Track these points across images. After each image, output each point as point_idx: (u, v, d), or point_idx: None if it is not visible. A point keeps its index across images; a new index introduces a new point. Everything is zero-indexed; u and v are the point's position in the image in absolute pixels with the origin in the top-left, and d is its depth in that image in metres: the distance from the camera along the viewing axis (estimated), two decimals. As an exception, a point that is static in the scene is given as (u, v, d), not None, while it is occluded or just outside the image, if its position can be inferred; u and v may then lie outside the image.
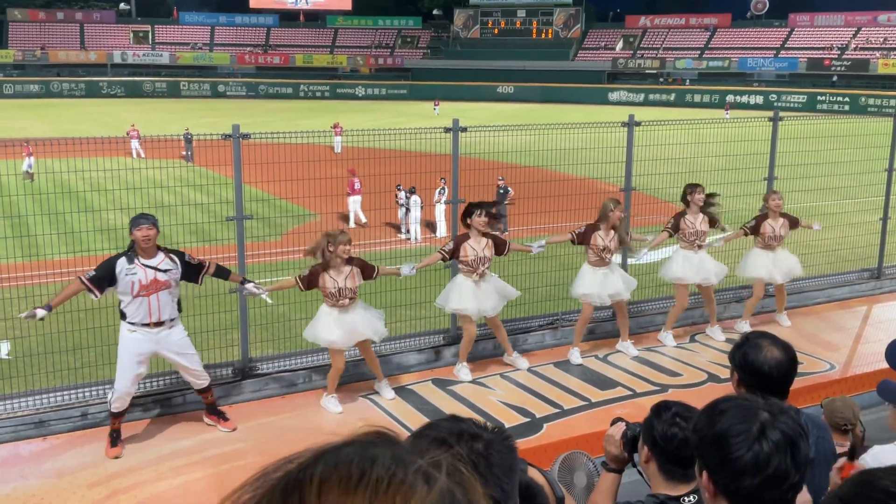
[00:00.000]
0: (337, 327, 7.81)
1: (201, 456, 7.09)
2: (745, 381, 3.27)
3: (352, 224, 19.44)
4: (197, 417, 7.73)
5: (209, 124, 38.98)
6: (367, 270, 8.01)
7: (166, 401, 7.91)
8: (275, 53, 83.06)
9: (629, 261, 10.28)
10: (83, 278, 6.95)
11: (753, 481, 2.01)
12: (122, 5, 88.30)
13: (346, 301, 7.84)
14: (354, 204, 19.90)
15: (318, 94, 75.67)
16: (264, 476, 0.77)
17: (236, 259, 8.40)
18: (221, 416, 7.61)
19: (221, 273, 7.59)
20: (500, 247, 8.82)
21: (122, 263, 6.95)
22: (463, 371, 8.89)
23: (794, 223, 10.33)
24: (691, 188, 9.77)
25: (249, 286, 7.72)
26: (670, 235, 9.94)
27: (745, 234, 10.32)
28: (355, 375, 8.60)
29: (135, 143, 28.07)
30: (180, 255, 7.24)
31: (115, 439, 7.12)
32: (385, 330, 8.23)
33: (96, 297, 7.03)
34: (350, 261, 7.87)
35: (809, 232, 10.88)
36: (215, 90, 75.19)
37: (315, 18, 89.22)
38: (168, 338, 7.12)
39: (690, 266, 9.79)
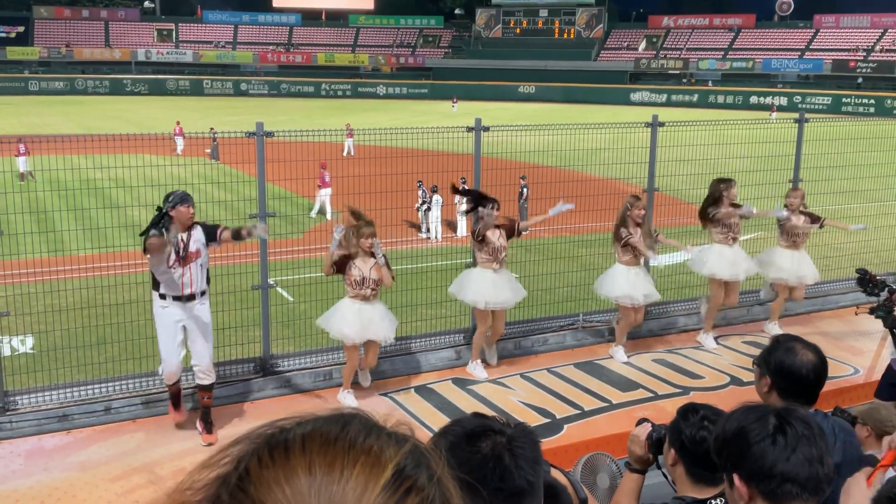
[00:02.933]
0: (355, 320, 7.82)
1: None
2: (779, 386, 3.21)
3: (328, 217, 19.67)
4: (219, 413, 7.76)
5: (232, 122, 39.20)
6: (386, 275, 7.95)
7: (189, 396, 7.95)
8: (297, 52, 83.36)
9: (651, 262, 10.18)
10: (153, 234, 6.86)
11: (783, 456, 2.02)
12: (146, 3, 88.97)
13: (369, 292, 7.86)
14: (324, 196, 20.19)
15: (340, 92, 75.87)
16: (247, 437, 0.85)
17: (258, 256, 8.44)
18: (207, 428, 7.44)
19: (236, 235, 7.34)
20: (510, 231, 8.84)
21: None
22: (477, 369, 8.88)
23: (814, 219, 10.21)
24: (726, 184, 9.56)
25: (258, 230, 7.37)
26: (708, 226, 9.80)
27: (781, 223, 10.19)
28: (376, 374, 8.61)
29: (179, 141, 29.17)
30: (202, 224, 7.33)
31: (176, 403, 7.35)
32: (393, 337, 8.17)
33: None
34: (375, 256, 7.88)
35: (835, 234, 10.76)
36: (238, 88, 75.59)
37: (337, 18, 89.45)
38: (198, 312, 7.23)
39: (725, 261, 9.68)
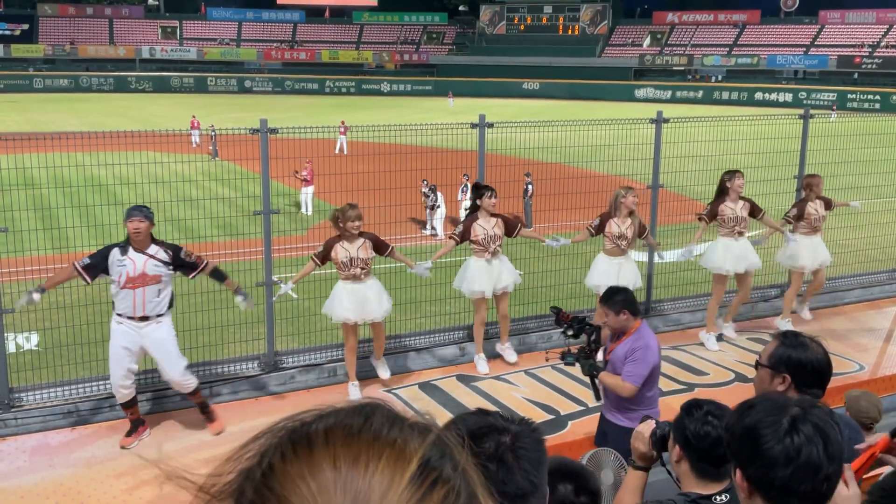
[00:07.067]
0: (349, 301, 7.85)
1: (227, 447, 7.08)
2: (802, 381, 3.22)
3: (307, 212, 19.68)
4: (225, 410, 7.76)
5: (235, 119, 39.23)
6: (381, 247, 8.02)
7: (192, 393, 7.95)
8: (301, 49, 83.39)
9: (656, 259, 10.11)
10: (77, 265, 6.95)
11: (786, 472, 2.00)
12: (150, 1, 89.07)
13: (358, 271, 7.87)
14: (306, 195, 20.12)
15: (344, 89, 75.83)
16: (269, 431, 0.84)
17: (262, 253, 8.45)
18: (209, 417, 7.43)
19: (217, 275, 7.48)
20: (510, 227, 8.82)
21: (115, 253, 6.91)
22: (481, 363, 8.88)
23: (828, 204, 10.31)
24: (730, 174, 9.56)
25: (238, 299, 7.51)
26: (707, 223, 9.69)
27: (790, 223, 10.23)
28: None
29: (195, 134, 30.50)
30: (176, 249, 7.11)
31: (131, 430, 7.18)
32: (390, 308, 8.20)
33: (87, 282, 7.06)
34: (363, 234, 7.91)
35: (839, 231, 10.76)
36: (242, 85, 75.59)
37: (341, 14, 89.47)
38: (152, 333, 6.98)
39: (732, 255, 9.59)
